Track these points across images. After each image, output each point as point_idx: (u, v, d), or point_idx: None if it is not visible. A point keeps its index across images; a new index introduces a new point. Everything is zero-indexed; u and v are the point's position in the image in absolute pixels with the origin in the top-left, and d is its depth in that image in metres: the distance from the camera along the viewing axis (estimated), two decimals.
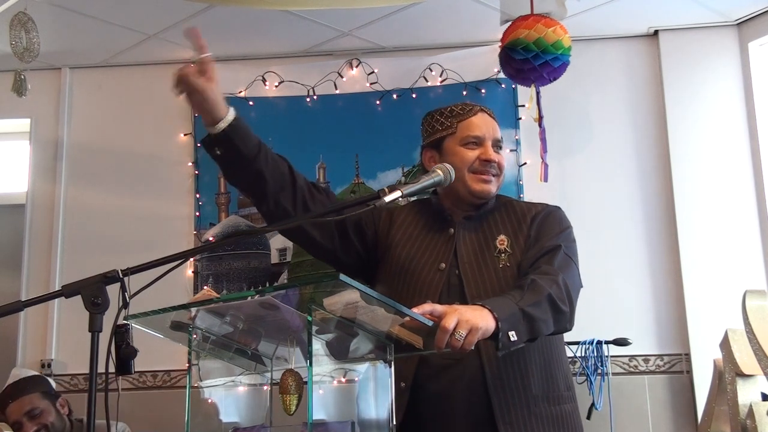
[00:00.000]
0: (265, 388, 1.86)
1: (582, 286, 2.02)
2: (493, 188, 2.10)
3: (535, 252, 2.00)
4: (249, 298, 1.59)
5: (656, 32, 4.05)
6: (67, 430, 3.16)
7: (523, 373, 1.93)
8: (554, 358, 2.02)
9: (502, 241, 2.04)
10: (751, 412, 2.66)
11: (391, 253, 2.11)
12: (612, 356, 3.71)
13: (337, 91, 4.15)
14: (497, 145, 2.13)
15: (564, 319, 1.89)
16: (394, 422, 1.73)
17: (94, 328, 1.55)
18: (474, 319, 1.65)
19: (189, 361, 1.78)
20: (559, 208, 2.15)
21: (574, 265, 2.00)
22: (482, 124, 2.11)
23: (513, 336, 1.73)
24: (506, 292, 1.87)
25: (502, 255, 2.02)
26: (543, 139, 3.56)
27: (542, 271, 1.92)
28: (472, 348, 1.67)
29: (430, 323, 1.62)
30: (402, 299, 1.73)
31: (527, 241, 2.03)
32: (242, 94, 4.15)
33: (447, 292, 2.00)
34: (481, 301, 1.77)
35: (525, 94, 3.76)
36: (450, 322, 1.61)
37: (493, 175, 2.09)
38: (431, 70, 4.11)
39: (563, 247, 1.99)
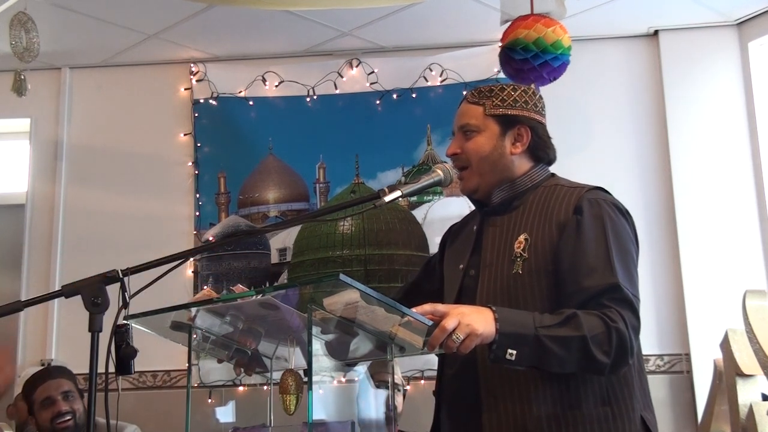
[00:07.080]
0: (265, 388, 1.85)
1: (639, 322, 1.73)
2: (468, 184, 1.92)
3: (588, 282, 1.71)
4: (249, 298, 1.59)
5: (656, 32, 4.05)
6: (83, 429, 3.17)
7: (523, 387, 1.73)
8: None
9: (519, 243, 1.81)
10: (751, 412, 2.66)
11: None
12: None
13: (337, 91, 4.14)
14: (463, 130, 1.92)
15: (597, 367, 1.66)
16: (395, 422, 1.72)
17: (94, 328, 1.56)
18: (475, 324, 1.58)
19: (189, 361, 1.77)
20: (597, 197, 1.86)
21: (634, 300, 1.71)
22: (455, 117, 1.97)
23: (511, 355, 1.61)
24: (539, 313, 1.68)
25: (517, 260, 1.79)
26: None
27: (601, 313, 1.67)
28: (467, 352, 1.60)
29: (430, 323, 1.60)
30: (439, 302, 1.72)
31: (553, 245, 1.76)
32: (242, 94, 4.14)
33: (462, 294, 1.89)
34: (495, 306, 1.66)
35: None
36: (449, 323, 1.57)
37: (461, 169, 1.91)
38: (431, 70, 4.10)
39: (621, 285, 1.70)
